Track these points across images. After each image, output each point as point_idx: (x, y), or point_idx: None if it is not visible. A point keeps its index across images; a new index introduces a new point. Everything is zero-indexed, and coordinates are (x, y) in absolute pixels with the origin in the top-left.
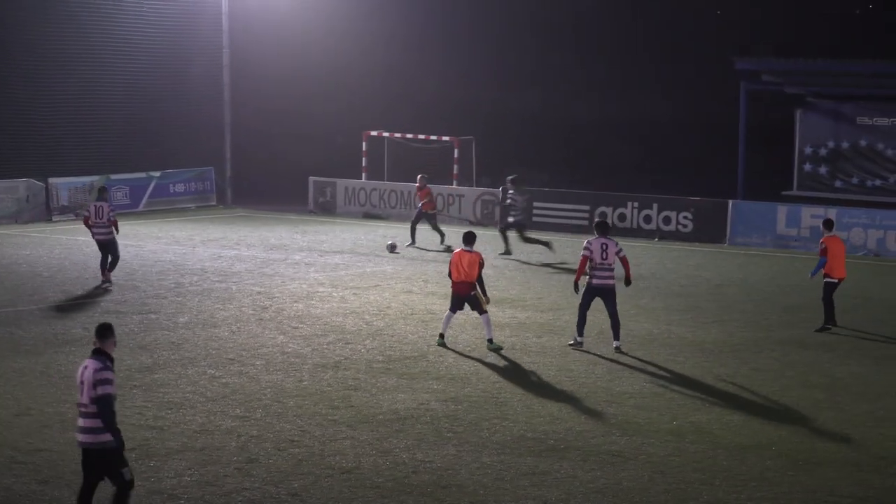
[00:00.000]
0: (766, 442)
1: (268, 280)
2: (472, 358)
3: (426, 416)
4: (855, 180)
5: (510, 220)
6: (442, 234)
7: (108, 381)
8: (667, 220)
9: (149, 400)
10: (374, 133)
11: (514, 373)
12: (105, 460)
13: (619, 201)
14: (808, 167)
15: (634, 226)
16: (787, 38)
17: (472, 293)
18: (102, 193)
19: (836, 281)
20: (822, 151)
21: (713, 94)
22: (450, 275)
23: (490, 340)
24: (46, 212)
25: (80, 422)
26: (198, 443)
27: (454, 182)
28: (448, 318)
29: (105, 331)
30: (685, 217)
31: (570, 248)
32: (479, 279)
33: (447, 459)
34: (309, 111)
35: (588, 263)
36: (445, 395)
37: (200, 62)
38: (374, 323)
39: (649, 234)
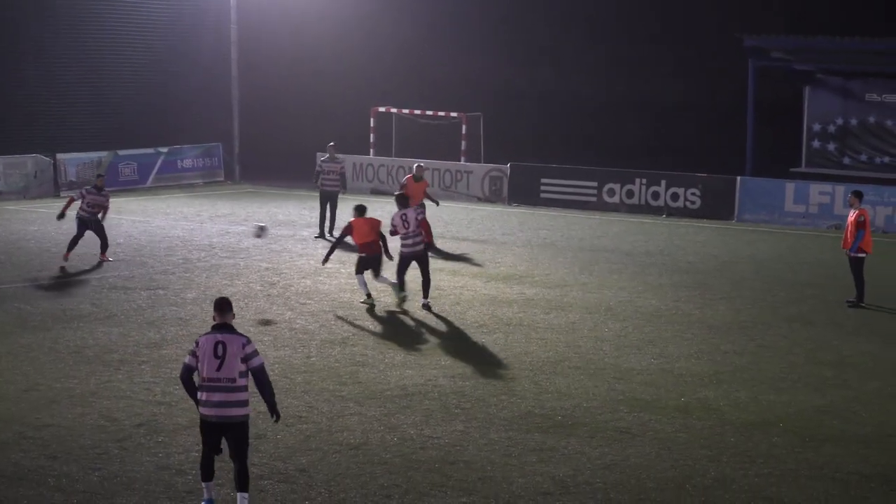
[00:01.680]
0: (773, 419)
1: (276, 256)
2: (480, 334)
3: (434, 392)
4: (863, 157)
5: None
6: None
7: (258, 353)
8: (675, 197)
9: (157, 375)
10: (381, 109)
11: (521, 349)
12: (243, 432)
13: (627, 178)
14: (816, 144)
15: (642, 202)
16: (795, 14)
17: (379, 254)
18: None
19: (865, 255)
20: (831, 128)
21: (722, 71)
22: (340, 242)
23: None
24: (54, 187)
25: (217, 396)
26: None
27: (462, 159)
28: (362, 282)
29: (226, 305)
30: (693, 194)
31: (577, 225)
32: (384, 239)
33: (455, 435)
34: (317, 87)
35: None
36: (453, 372)
37: (209, 38)
38: (382, 299)
39: (657, 211)
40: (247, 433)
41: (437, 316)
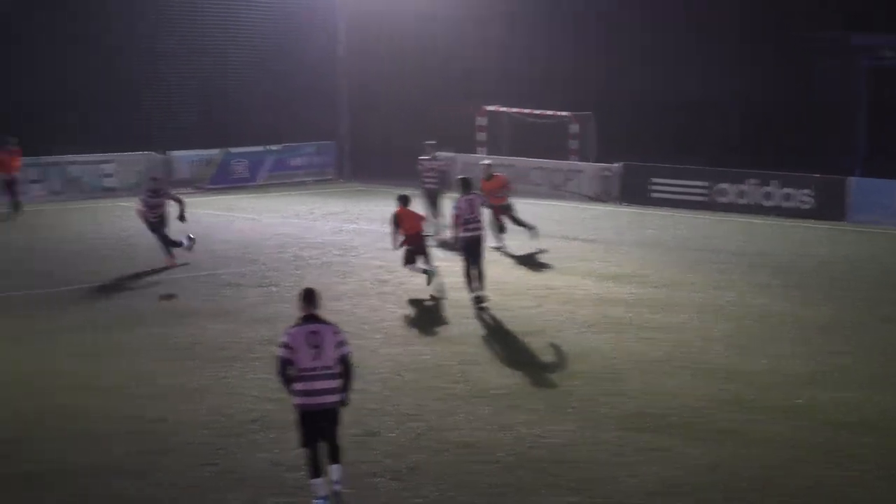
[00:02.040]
0: (883, 424)
1: (388, 254)
2: (590, 333)
3: (543, 391)
4: None
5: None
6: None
7: (347, 342)
8: (787, 197)
9: (269, 372)
10: (491, 108)
11: (631, 349)
12: (336, 416)
13: (739, 177)
14: None
15: (754, 202)
16: None
17: (423, 242)
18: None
19: None
20: None
21: (832, 70)
22: (396, 232)
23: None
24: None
25: (317, 384)
26: None
27: (572, 158)
28: (415, 269)
29: (314, 295)
30: (805, 194)
31: (687, 224)
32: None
33: (565, 435)
34: (425, 85)
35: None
36: (563, 370)
37: (319, 35)
38: (491, 298)
39: (768, 211)
40: (339, 416)
41: (547, 315)
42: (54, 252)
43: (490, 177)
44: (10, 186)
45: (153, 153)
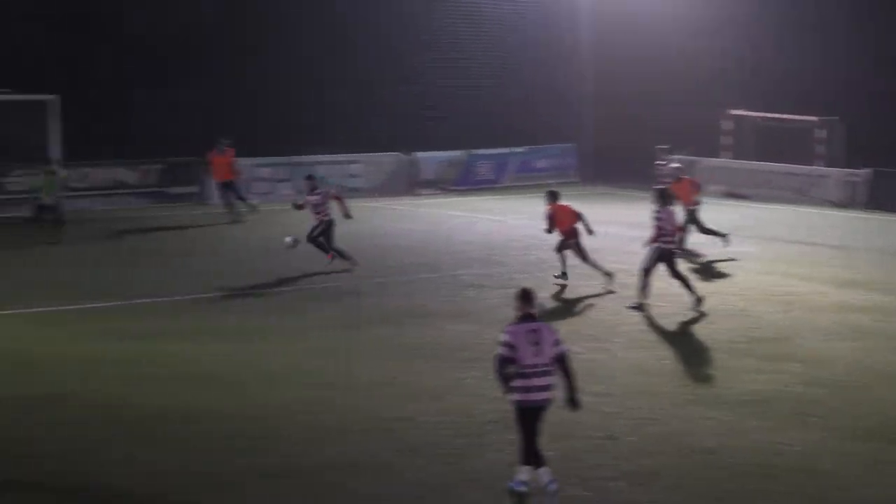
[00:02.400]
0: None
1: (630, 258)
2: (833, 341)
3: (787, 398)
4: None
5: None
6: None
7: (562, 340)
8: None
9: None
10: (736, 112)
11: (877, 358)
12: (543, 416)
13: None
14: None
15: None
16: None
17: (578, 238)
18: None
19: None
20: None
21: None
22: (551, 228)
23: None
24: (412, 185)
25: (537, 381)
26: (557, 417)
27: (819, 163)
28: (561, 259)
29: (531, 295)
30: None
31: None
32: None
33: (810, 444)
34: (669, 87)
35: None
36: (808, 378)
37: (563, 38)
38: (735, 304)
39: None
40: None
41: (791, 321)
42: (299, 251)
43: (678, 179)
44: (228, 189)
45: (399, 154)
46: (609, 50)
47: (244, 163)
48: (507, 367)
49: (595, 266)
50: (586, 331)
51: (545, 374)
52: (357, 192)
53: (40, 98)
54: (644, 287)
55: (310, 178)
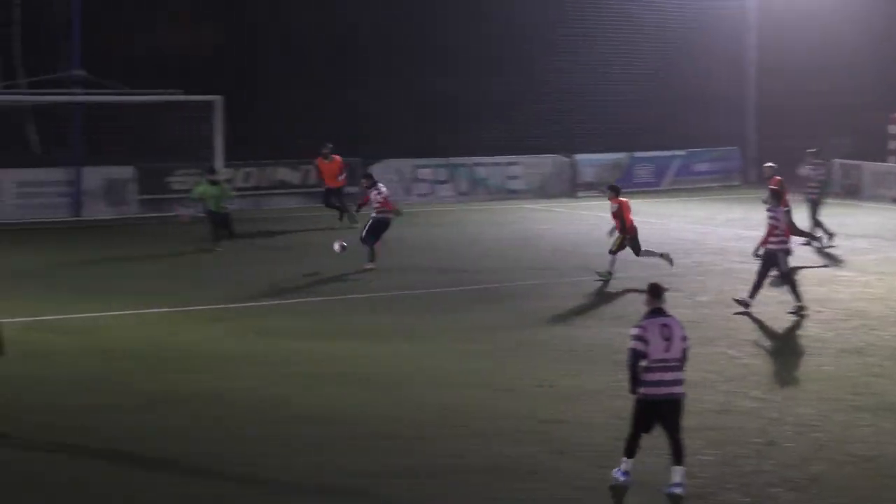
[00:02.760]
0: None
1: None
2: None
3: None
4: None
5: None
6: None
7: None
8: None
9: None
10: None
11: None
12: (680, 409)
13: None
14: None
15: None
16: None
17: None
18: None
19: None
20: None
21: None
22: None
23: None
24: (571, 188)
25: (668, 375)
26: (716, 422)
27: None
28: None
29: (661, 290)
30: None
31: None
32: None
33: None
34: (835, 90)
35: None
36: None
37: (726, 41)
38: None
39: None
40: (682, 409)
41: None
42: (457, 251)
43: (769, 178)
44: (333, 196)
45: (559, 156)
46: (773, 52)
47: (405, 164)
48: (640, 361)
49: (650, 254)
50: (745, 335)
51: (675, 368)
52: (516, 195)
53: (206, 99)
54: (793, 290)
55: (368, 176)
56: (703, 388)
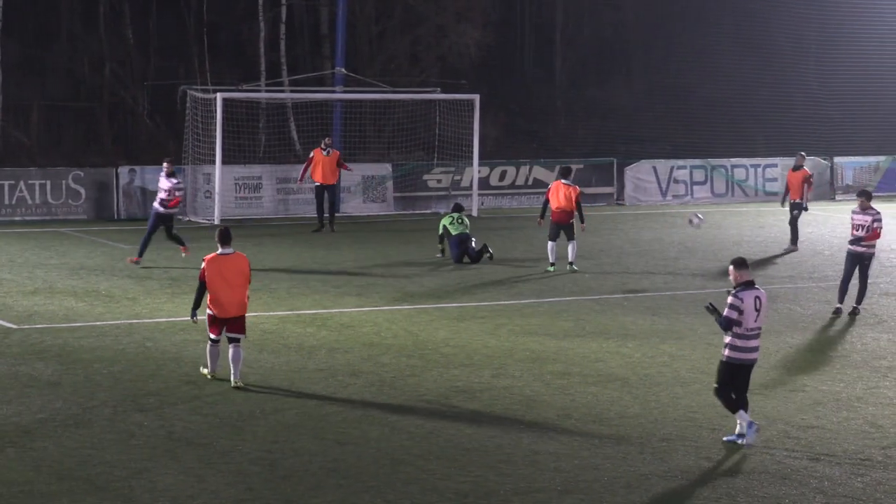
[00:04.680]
0: None
1: None
2: None
3: None
4: None
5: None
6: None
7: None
8: None
9: None
10: None
11: None
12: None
13: None
14: None
15: None
16: None
17: (570, 221)
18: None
19: None
20: None
21: None
22: (547, 203)
23: (571, 264)
24: (830, 191)
25: (753, 342)
26: None
27: None
28: (551, 248)
29: (746, 263)
30: None
31: None
32: (578, 208)
33: None
34: None
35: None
36: None
37: None
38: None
39: None
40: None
41: None
42: (718, 253)
43: (797, 168)
44: (326, 192)
45: (818, 159)
46: None
47: (662, 164)
48: (733, 328)
49: None
50: None
51: (758, 336)
52: (775, 197)
53: (465, 97)
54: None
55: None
56: None
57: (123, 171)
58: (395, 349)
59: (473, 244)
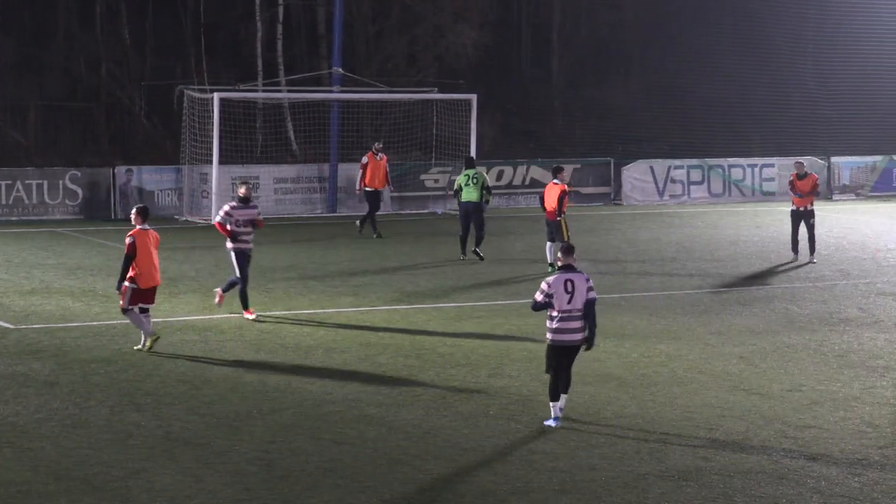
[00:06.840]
0: None
1: None
2: None
3: None
4: None
5: None
6: None
7: (594, 289)
8: None
9: None
10: None
11: None
12: (575, 355)
13: None
14: None
15: None
16: None
17: (558, 219)
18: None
19: None
20: None
21: None
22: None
23: (552, 265)
24: (827, 190)
25: (574, 324)
26: None
27: None
28: (549, 248)
29: (571, 249)
30: None
31: None
32: (559, 202)
33: None
34: None
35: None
36: None
37: None
38: None
39: None
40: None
41: None
42: (715, 253)
43: (804, 175)
44: (379, 199)
45: (815, 158)
46: None
47: (659, 164)
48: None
49: None
50: None
51: (578, 318)
52: (771, 197)
53: (462, 97)
54: None
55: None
56: None
57: (120, 171)
58: (392, 349)
59: (484, 208)
